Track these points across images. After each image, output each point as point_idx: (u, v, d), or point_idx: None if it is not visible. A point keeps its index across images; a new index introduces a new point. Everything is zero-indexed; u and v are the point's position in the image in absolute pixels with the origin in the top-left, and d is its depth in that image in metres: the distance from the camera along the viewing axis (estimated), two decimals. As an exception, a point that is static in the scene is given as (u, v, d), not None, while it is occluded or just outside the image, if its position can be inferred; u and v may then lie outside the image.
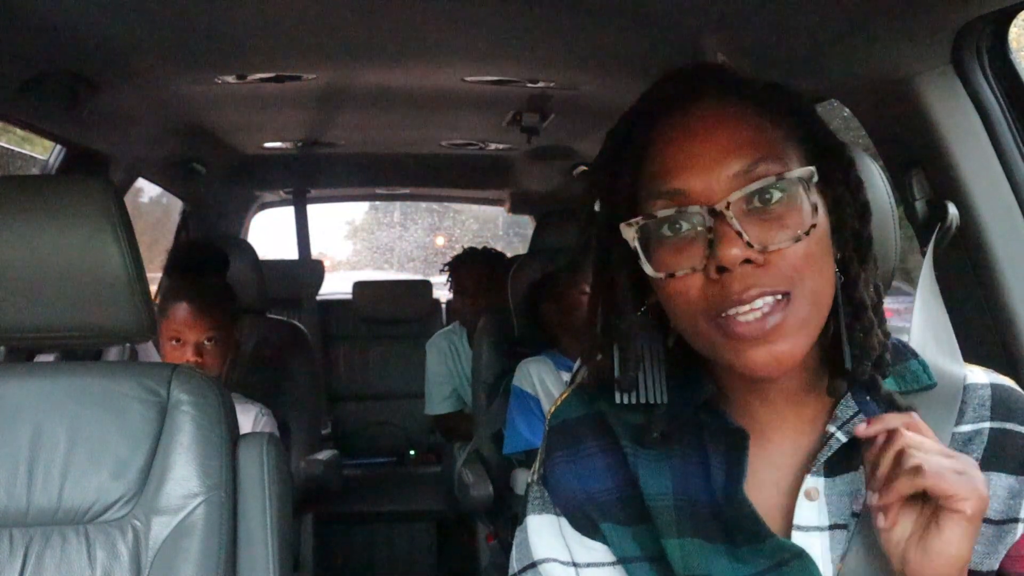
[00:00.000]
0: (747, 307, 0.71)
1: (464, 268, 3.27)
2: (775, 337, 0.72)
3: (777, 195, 0.73)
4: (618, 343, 0.80)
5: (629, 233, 0.76)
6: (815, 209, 0.74)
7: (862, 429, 0.74)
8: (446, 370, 3.19)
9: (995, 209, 1.25)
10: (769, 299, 0.72)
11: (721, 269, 0.71)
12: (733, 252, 0.71)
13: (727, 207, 0.72)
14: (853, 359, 0.77)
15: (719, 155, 0.73)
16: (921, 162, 1.30)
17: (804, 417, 0.81)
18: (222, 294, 2.08)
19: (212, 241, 2.54)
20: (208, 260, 2.25)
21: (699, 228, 0.73)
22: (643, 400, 0.80)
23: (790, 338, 0.72)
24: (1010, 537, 0.78)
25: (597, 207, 0.82)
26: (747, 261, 0.71)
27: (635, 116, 0.80)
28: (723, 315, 0.72)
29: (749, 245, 0.71)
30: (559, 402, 0.90)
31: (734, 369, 0.74)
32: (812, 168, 0.74)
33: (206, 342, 1.95)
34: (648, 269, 0.75)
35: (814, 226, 0.73)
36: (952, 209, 1.24)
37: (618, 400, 0.81)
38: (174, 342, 1.93)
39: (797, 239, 0.72)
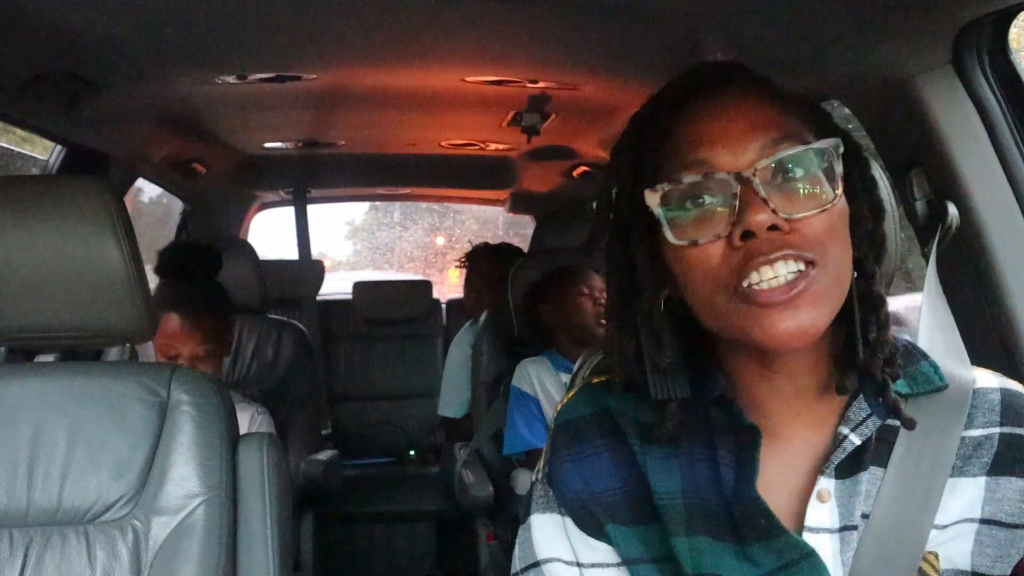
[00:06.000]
0: (771, 272, 0.72)
1: (478, 264, 3.25)
2: (799, 303, 0.72)
3: (802, 168, 0.74)
4: (642, 325, 0.80)
5: (653, 199, 0.76)
6: (840, 180, 0.75)
7: None
8: (467, 373, 3.06)
9: (995, 209, 1.25)
10: (793, 266, 0.72)
11: (747, 235, 0.72)
12: (760, 217, 0.72)
13: (754, 174, 0.73)
14: (867, 354, 0.78)
15: (745, 131, 0.75)
16: (921, 162, 1.30)
17: (816, 417, 0.81)
18: (214, 300, 2.04)
19: (201, 242, 2.52)
20: (198, 263, 2.17)
21: (724, 197, 0.74)
22: (671, 396, 0.80)
23: (813, 308, 0.72)
24: (1023, 542, 0.78)
25: (615, 189, 0.82)
26: (773, 228, 0.72)
27: (660, 101, 0.81)
28: (746, 284, 0.72)
29: (775, 213, 0.72)
30: (565, 400, 0.90)
31: (754, 343, 0.73)
32: (838, 139, 0.76)
33: (199, 354, 1.93)
34: (670, 236, 0.75)
35: (839, 196, 0.75)
36: (952, 209, 1.24)
37: (653, 395, 0.80)
38: (168, 357, 1.91)
39: (823, 209, 0.74)
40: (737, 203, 0.73)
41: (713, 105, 0.77)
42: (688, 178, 0.75)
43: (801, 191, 0.74)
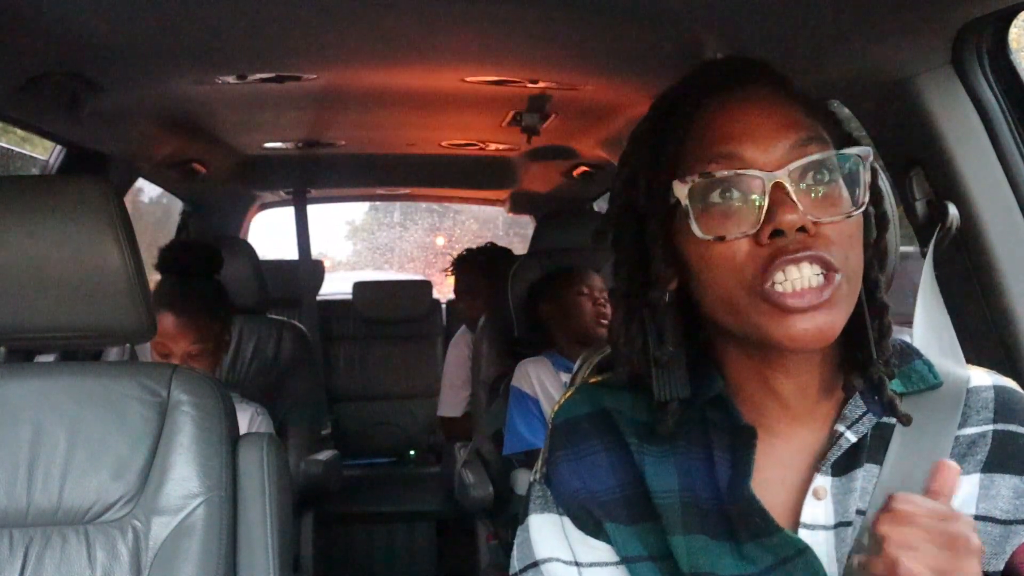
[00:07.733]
0: (797, 273, 0.72)
1: (465, 271, 3.26)
2: (822, 307, 0.73)
3: (831, 172, 0.75)
4: (651, 317, 0.80)
5: (682, 191, 0.76)
6: (867, 189, 0.76)
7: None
8: (465, 374, 3.11)
9: (995, 209, 1.25)
10: (817, 268, 0.73)
11: (775, 233, 0.72)
12: (791, 217, 0.72)
13: (787, 174, 0.73)
14: (875, 356, 0.79)
15: (776, 128, 0.75)
16: (921, 162, 1.30)
17: (815, 416, 0.82)
18: (209, 299, 2.03)
19: (201, 241, 2.51)
20: (199, 261, 2.16)
21: (753, 194, 0.74)
22: (672, 395, 0.80)
23: (833, 311, 0.73)
24: (1016, 538, 0.79)
25: (630, 176, 0.82)
26: (801, 229, 0.72)
27: (684, 91, 0.81)
28: (770, 285, 0.73)
29: (803, 214, 0.73)
30: (563, 400, 0.90)
31: (774, 342, 0.74)
32: (869, 149, 0.77)
33: (192, 353, 1.92)
34: (696, 229, 0.75)
35: (864, 204, 0.76)
36: (952, 209, 1.24)
37: (657, 396, 0.80)
38: (161, 355, 1.91)
39: (849, 214, 0.75)
40: (767, 202, 0.73)
41: (742, 99, 0.77)
42: (720, 172, 0.75)
43: (829, 195, 0.75)
